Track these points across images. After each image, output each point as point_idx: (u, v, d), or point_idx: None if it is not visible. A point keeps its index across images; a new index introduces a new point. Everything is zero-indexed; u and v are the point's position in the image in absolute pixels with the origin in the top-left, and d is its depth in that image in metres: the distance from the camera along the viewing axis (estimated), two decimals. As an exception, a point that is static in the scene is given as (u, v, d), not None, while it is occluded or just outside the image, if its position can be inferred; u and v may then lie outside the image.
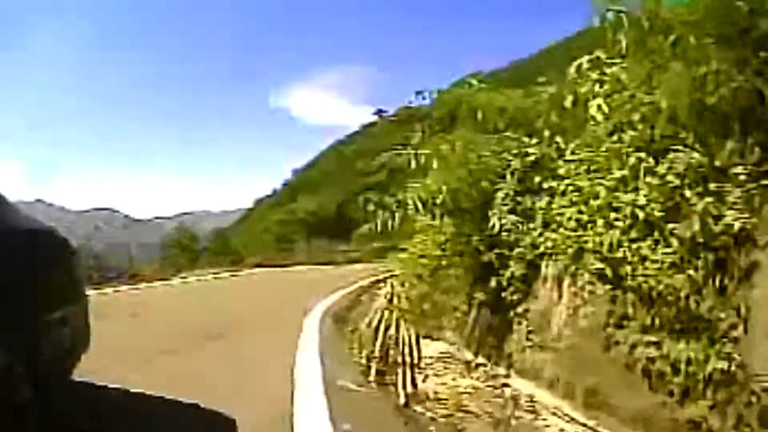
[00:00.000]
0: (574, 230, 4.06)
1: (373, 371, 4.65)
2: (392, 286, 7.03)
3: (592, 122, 4.30)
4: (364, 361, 4.97)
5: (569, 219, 4.16)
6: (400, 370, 4.69)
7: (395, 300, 6.40)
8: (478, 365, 5.31)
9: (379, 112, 51.61)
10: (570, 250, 4.04)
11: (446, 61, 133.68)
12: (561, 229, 4.25)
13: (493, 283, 5.11)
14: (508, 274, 4.95)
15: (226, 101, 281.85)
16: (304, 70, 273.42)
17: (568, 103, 4.68)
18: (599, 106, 4.13)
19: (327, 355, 4.39)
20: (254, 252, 28.69)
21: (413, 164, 5.65)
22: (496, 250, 5.08)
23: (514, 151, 5.28)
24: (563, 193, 4.42)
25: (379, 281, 10.85)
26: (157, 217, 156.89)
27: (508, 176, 5.20)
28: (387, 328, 5.37)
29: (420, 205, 5.49)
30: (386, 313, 5.76)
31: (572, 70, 4.57)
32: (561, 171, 4.57)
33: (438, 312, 6.55)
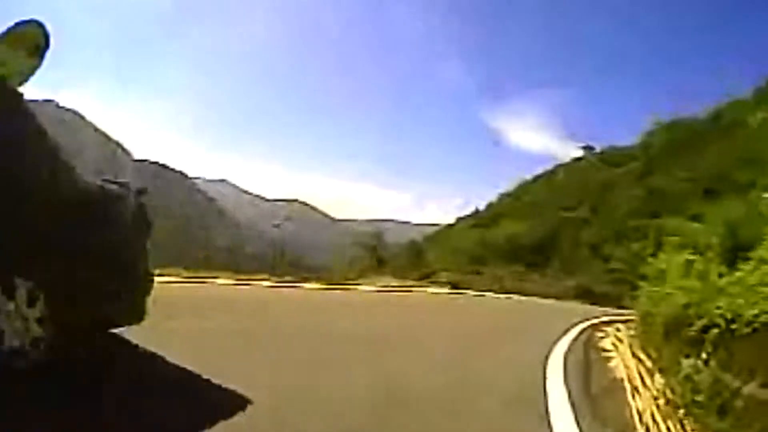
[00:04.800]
0: None
1: None
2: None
3: None
4: None
5: None
6: None
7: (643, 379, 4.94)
8: None
9: (586, 147, 48.71)
10: None
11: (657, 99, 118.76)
12: None
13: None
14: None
15: (436, 117, 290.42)
16: (519, 93, 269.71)
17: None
18: None
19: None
20: (442, 268, 29.28)
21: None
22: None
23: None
24: None
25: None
26: (351, 219, 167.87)
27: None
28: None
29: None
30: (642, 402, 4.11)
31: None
32: None
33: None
